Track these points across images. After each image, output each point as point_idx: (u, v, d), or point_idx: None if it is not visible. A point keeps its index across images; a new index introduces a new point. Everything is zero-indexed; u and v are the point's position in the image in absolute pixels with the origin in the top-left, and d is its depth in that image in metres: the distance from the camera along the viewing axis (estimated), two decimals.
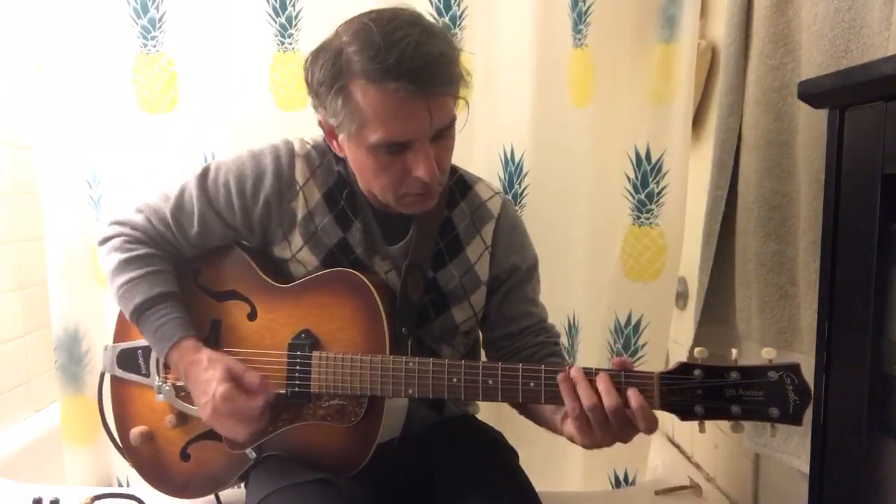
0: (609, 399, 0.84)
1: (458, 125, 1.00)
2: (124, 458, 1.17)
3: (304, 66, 0.98)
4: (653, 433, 0.86)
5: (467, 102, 1.02)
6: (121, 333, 1.17)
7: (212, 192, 1.07)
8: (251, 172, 1.06)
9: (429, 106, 0.91)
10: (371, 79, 0.89)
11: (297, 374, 1.01)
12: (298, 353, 1.02)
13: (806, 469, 0.85)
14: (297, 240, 1.07)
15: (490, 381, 0.92)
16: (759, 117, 1.13)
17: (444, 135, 0.97)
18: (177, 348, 1.03)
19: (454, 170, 1.13)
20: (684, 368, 0.85)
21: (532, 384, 0.90)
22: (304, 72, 0.98)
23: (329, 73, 0.92)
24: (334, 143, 1.02)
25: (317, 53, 0.96)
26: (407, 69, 0.87)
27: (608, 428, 0.85)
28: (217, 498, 1.16)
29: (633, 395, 0.84)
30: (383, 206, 1.05)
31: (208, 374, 0.99)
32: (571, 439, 0.90)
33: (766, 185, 1.12)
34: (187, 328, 1.05)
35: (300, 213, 1.06)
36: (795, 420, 0.81)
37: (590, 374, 0.87)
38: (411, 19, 0.92)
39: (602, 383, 0.85)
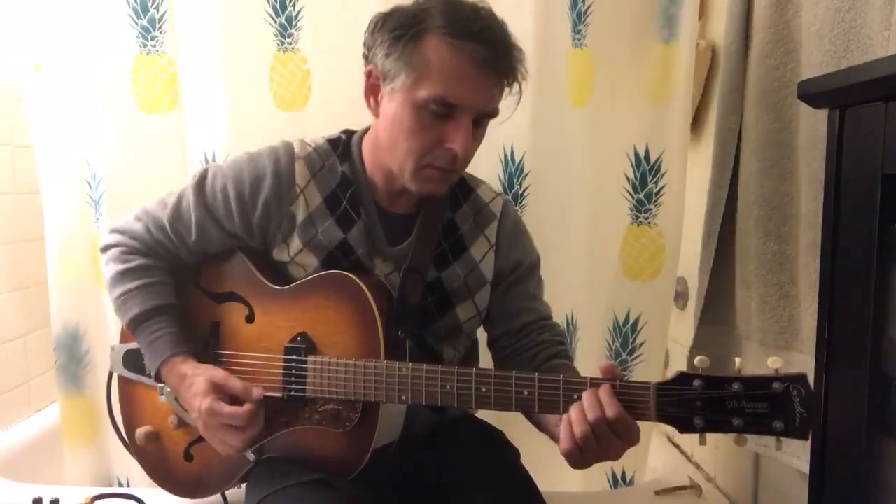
0: (613, 410, 0.81)
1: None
2: (134, 457, 1.17)
3: (371, 21, 0.98)
4: (635, 445, 0.84)
5: (521, 94, 1.01)
6: (127, 334, 1.16)
7: (209, 199, 1.06)
8: (249, 176, 1.05)
9: (495, 80, 0.94)
10: (452, 34, 0.91)
11: (293, 378, 1.01)
12: (294, 356, 1.01)
13: (806, 469, 0.85)
14: (295, 243, 1.06)
15: (483, 389, 0.90)
16: (759, 117, 1.13)
17: (482, 123, 0.99)
18: (166, 365, 1.04)
19: None
20: (683, 378, 0.81)
21: (525, 392, 0.88)
22: (370, 26, 0.99)
23: (408, 20, 0.94)
24: (371, 100, 1.01)
25: (393, 9, 0.97)
26: (489, 38, 0.92)
27: (593, 446, 0.82)
28: (223, 497, 1.16)
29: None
30: (389, 202, 1.05)
31: (192, 391, 0.99)
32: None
33: (766, 185, 1.12)
34: (178, 344, 1.04)
35: (300, 216, 1.05)
36: (801, 434, 0.77)
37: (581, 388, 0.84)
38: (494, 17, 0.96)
39: (587, 398, 0.83)
